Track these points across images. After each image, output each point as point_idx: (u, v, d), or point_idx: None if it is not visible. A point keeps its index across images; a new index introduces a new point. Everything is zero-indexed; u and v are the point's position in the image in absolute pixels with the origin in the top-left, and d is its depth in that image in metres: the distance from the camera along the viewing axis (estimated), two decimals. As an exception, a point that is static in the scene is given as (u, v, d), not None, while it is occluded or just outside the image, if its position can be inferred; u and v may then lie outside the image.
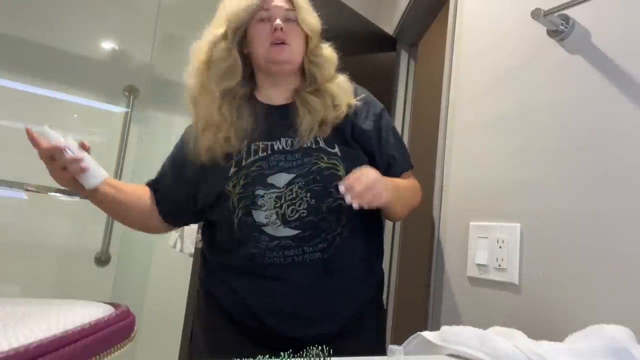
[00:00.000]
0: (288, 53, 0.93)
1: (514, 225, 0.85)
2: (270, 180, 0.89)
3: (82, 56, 2.13)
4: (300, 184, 0.88)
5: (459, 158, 1.08)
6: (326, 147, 0.92)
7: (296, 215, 0.87)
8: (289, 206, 0.87)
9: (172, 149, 1.04)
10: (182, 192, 0.98)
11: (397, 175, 0.98)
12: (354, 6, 1.69)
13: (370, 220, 0.97)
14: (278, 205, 0.87)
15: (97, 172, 0.91)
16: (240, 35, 0.94)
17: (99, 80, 2.16)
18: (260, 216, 0.88)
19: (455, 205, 1.06)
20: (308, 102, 0.95)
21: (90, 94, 2.14)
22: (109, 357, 0.36)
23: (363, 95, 1.00)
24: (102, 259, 2.09)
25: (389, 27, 1.90)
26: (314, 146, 0.91)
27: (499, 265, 0.87)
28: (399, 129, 1.89)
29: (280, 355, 0.46)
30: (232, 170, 0.90)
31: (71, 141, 0.86)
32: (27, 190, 1.93)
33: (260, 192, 0.88)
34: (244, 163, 0.91)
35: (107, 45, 2.22)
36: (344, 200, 0.82)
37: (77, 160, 0.85)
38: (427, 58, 1.92)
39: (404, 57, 1.92)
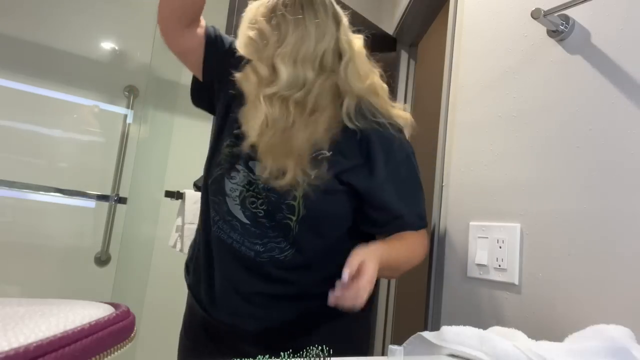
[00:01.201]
0: None
1: (514, 225, 0.85)
2: (251, 164, 0.88)
3: (82, 56, 2.13)
4: (262, 185, 0.86)
5: (459, 158, 1.08)
6: None
7: (255, 209, 0.87)
8: (251, 196, 0.88)
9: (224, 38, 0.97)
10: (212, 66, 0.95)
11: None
12: (354, 6, 1.69)
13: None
14: (245, 187, 0.88)
15: None
16: None
17: (99, 80, 2.16)
18: (227, 186, 0.90)
19: (455, 205, 1.06)
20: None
21: (90, 94, 2.14)
22: (109, 357, 0.36)
23: None
24: (102, 259, 2.10)
25: (389, 27, 1.90)
26: None
27: (499, 266, 0.87)
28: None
29: (280, 355, 0.46)
30: (229, 140, 0.92)
31: None
32: (27, 190, 1.93)
33: (239, 167, 0.89)
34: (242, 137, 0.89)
35: (107, 45, 2.22)
36: (296, 222, 0.85)
37: None
38: (427, 58, 1.92)
39: (404, 57, 1.92)
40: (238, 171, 0.88)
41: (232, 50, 0.91)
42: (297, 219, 0.85)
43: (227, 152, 0.90)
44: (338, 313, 0.77)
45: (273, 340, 0.90)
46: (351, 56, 0.85)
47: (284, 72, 0.79)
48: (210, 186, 0.93)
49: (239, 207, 0.88)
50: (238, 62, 0.87)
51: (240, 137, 0.87)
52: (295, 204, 0.84)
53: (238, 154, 0.89)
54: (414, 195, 0.91)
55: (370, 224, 0.91)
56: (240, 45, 0.86)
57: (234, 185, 0.88)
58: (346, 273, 0.70)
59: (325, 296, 0.73)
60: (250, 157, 0.88)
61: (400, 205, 0.88)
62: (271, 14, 0.83)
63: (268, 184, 0.84)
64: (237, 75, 0.85)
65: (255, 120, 0.81)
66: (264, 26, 0.82)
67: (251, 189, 0.88)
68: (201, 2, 0.90)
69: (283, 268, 0.89)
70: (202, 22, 0.95)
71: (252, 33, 0.83)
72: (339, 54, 0.85)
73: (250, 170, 0.87)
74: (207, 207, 0.95)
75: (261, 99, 0.80)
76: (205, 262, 0.95)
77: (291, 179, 0.80)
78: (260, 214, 0.87)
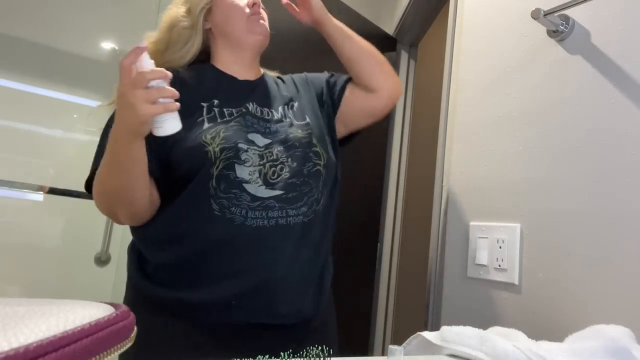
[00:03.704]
0: (265, 27, 0.96)
1: (514, 225, 0.85)
2: (250, 137, 0.84)
3: (82, 56, 2.13)
4: (279, 148, 0.85)
5: (459, 158, 1.08)
6: (297, 121, 0.93)
7: (278, 177, 0.83)
8: (270, 167, 0.83)
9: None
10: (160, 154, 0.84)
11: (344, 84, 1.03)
12: (354, 6, 1.69)
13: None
14: (261, 163, 0.82)
15: (178, 120, 0.72)
16: (205, 10, 0.95)
17: (99, 80, 2.16)
18: (243, 172, 0.81)
19: (455, 205, 1.06)
20: (277, 84, 1.00)
21: (90, 94, 2.14)
22: (109, 357, 0.36)
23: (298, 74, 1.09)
24: (102, 259, 2.09)
25: (389, 27, 1.90)
26: (285, 120, 0.92)
27: (499, 266, 0.87)
28: (399, 128, 1.89)
29: (280, 355, 0.46)
30: (207, 124, 0.83)
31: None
32: (27, 190, 1.93)
33: (243, 145, 0.82)
34: (219, 120, 0.85)
35: (107, 45, 2.22)
36: (323, 166, 0.87)
37: (173, 96, 0.69)
38: (427, 58, 1.92)
39: (404, 57, 1.92)
40: (246, 151, 0.82)
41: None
42: (324, 163, 0.89)
43: (219, 142, 0.81)
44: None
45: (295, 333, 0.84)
46: None
47: None
48: (215, 188, 0.80)
49: (264, 186, 0.82)
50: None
51: (214, 121, 0.84)
52: (318, 149, 0.89)
53: (233, 134, 0.83)
54: None
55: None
56: None
57: (251, 168, 0.81)
58: None
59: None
60: (244, 132, 0.84)
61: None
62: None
63: (287, 134, 0.88)
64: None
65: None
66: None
67: (266, 162, 0.83)
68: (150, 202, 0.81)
69: (320, 223, 0.88)
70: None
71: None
72: None
73: (253, 144, 0.84)
74: (208, 212, 0.80)
75: None
76: (223, 263, 0.80)
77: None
78: (287, 177, 0.84)
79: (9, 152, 1.95)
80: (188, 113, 0.81)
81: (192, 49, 0.93)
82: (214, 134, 0.81)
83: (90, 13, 2.15)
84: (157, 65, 0.72)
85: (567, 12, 0.77)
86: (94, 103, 2.15)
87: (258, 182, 0.81)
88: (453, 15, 1.22)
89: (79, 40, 2.13)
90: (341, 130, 1.03)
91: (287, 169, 0.84)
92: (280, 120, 0.91)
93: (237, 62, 0.96)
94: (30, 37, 2.01)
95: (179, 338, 0.79)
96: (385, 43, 1.84)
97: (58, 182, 1.99)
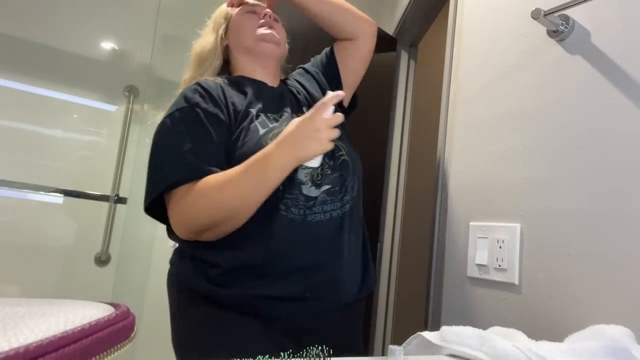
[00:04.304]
0: (273, 35, 1.01)
1: (514, 225, 0.85)
2: None
3: (82, 56, 2.13)
4: None
5: (459, 158, 1.08)
6: None
7: (322, 175, 0.89)
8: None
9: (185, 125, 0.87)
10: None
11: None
12: (354, 6, 1.69)
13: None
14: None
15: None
16: (224, 29, 1.04)
17: (99, 80, 2.16)
18: (301, 174, 0.86)
19: (455, 205, 1.06)
20: (293, 87, 1.06)
21: (90, 94, 2.14)
22: (109, 357, 0.36)
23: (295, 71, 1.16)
24: (102, 259, 2.10)
25: (389, 27, 1.90)
26: None
27: (499, 266, 0.87)
28: (399, 129, 1.89)
29: (280, 355, 0.46)
30: (262, 129, 0.88)
31: None
32: (27, 190, 1.93)
33: None
34: (270, 125, 0.89)
35: (107, 45, 2.22)
36: (347, 154, 0.93)
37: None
38: (427, 58, 1.92)
39: (404, 57, 1.92)
40: None
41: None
42: (346, 152, 0.95)
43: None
44: None
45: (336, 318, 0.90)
46: None
47: None
48: (281, 190, 0.84)
49: (314, 187, 0.87)
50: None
51: (266, 126, 0.89)
52: (337, 143, 0.93)
53: None
54: None
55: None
56: None
57: (306, 170, 0.87)
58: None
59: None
60: None
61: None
62: None
63: None
64: None
65: None
66: None
67: None
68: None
69: (357, 206, 0.96)
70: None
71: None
72: None
73: None
74: (277, 212, 0.84)
75: None
76: (294, 259, 0.84)
77: None
78: (329, 172, 0.90)
79: (9, 152, 1.95)
80: (241, 119, 0.88)
81: (215, 62, 1.03)
82: (273, 137, 0.85)
83: (90, 13, 2.15)
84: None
85: (567, 12, 0.77)
86: (94, 103, 2.15)
87: (309, 184, 0.87)
88: (453, 15, 1.22)
89: (79, 40, 2.13)
90: (347, 95, 1.11)
91: (327, 166, 0.90)
92: None
93: (256, 70, 1.02)
94: (30, 37, 2.02)
95: (256, 334, 0.81)
96: (385, 43, 1.84)
97: (58, 182, 1.99)
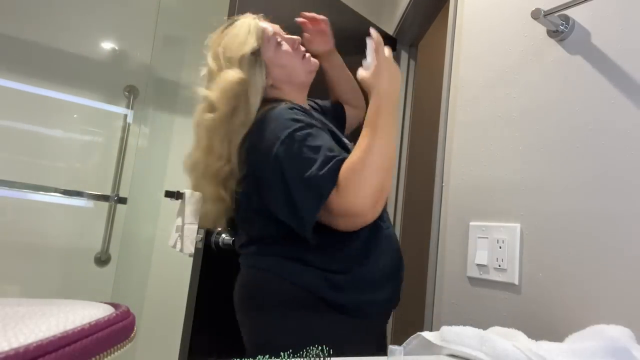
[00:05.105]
0: (315, 61, 1.05)
1: (514, 225, 0.85)
2: None
3: (82, 56, 2.13)
4: None
5: (459, 158, 1.08)
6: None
7: None
8: None
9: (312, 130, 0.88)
10: None
11: None
12: (354, 6, 1.69)
13: None
14: None
15: None
16: (264, 69, 0.99)
17: (99, 80, 2.16)
18: None
19: (455, 205, 1.06)
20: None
21: (90, 94, 2.14)
22: (108, 357, 0.36)
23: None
24: (102, 259, 2.10)
25: (389, 27, 1.90)
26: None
27: (499, 266, 0.87)
28: (399, 129, 1.89)
29: (281, 355, 0.46)
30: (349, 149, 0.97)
31: None
32: (27, 190, 1.93)
33: None
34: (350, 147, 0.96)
35: (107, 45, 2.22)
36: None
37: None
38: (427, 58, 1.92)
39: (404, 57, 1.92)
40: None
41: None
42: None
43: None
44: None
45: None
46: None
47: None
48: None
49: None
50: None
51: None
52: None
53: None
54: None
55: None
56: None
57: None
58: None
59: None
60: None
61: None
62: None
63: None
64: None
65: None
66: None
67: None
68: None
69: None
70: None
71: None
72: None
73: None
74: (378, 225, 0.92)
75: None
76: (392, 263, 0.94)
77: None
78: None
79: (9, 152, 1.95)
80: (334, 138, 0.91)
81: (258, 99, 0.95)
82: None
83: (90, 13, 2.15)
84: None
85: (567, 12, 0.77)
86: (94, 103, 2.15)
87: None
88: (453, 15, 1.22)
89: (79, 40, 2.13)
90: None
91: None
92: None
93: (301, 97, 1.05)
94: (30, 37, 2.01)
95: (365, 335, 0.90)
96: (385, 43, 1.84)
97: (58, 182, 1.99)
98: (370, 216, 0.82)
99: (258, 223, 0.91)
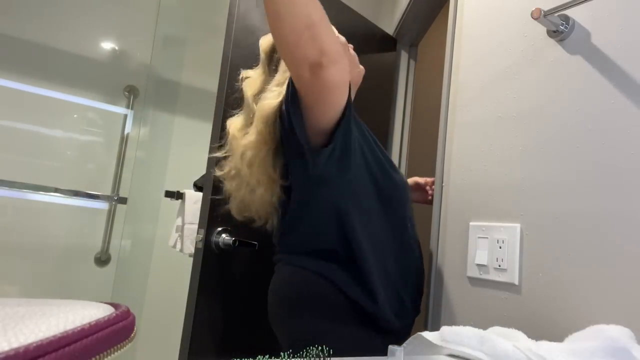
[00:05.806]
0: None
1: (514, 225, 0.85)
2: None
3: (82, 56, 2.13)
4: None
5: (459, 158, 1.08)
6: None
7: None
8: None
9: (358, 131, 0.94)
10: None
11: None
12: (354, 6, 1.69)
13: None
14: None
15: None
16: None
17: (99, 80, 2.16)
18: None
19: (455, 205, 1.06)
20: None
21: (90, 94, 2.14)
22: (108, 357, 0.36)
23: None
24: (102, 259, 2.10)
25: (389, 27, 1.90)
26: None
27: (499, 266, 0.87)
28: (398, 129, 1.89)
29: (281, 355, 0.46)
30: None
31: None
32: (27, 190, 1.94)
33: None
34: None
35: (107, 45, 2.22)
36: None
37: None
38: (427, 58, 1.92)
39: (404, 57, 1.92)
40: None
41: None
42: None
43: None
44: None
45: None
46: None
47: None
48: (406, 203, 1.01)
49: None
50: None
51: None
52: None
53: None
54: None
55: None
56: None
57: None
58: None
59: None
60: None
61: None
62: None
63: None
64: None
65: None
66: None
67: None
68: None
69: None
70: None
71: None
72: None
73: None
74: (404, 222, 0.99)
75: None
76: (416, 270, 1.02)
77: None
78: None
79: (9, 152, 1.95)
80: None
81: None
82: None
83: (90, 13, 2.15)
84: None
85: (567, 12, 0.77)
86: (93, 103, 2.15)
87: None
88: (453, 15, 1.22)
89: (79, 40, 2.13)
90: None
91: None
92: None
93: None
94: (30, 37, 2.02)
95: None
96: (385, 43, 1.84)
97: (58, 182, 1.99)
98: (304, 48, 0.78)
99: (315, 229, 0.95)
